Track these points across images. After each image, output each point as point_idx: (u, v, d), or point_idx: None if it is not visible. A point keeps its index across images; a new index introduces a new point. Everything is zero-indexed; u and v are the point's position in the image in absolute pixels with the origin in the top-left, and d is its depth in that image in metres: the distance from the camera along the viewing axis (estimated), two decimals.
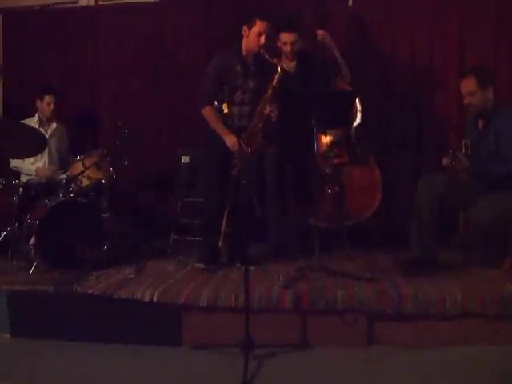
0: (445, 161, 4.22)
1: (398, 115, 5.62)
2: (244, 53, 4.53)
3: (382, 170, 5.03)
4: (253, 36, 4.43)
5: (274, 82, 4.37)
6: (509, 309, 3.59)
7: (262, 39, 4.40)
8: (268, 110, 4.38)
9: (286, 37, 4.84)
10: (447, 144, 4.37)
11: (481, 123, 4.34)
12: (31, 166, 5.43)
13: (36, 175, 5.40)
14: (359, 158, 5.02)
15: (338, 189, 4.84)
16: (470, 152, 4.13)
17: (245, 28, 4.47)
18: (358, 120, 5.06)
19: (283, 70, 4.42)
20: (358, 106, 5.04)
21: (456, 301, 3.63)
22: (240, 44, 4.53)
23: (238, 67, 4.50)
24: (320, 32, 4.99)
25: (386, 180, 5.04)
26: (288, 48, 4.86)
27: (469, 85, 4.26)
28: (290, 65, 4.93)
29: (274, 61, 4.36)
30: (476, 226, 4.16)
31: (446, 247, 4.57)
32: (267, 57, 4.35)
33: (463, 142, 4.18)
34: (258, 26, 4.41)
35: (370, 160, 5.04)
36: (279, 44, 4.89)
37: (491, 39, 5.44)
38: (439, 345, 3.62)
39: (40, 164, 5.52)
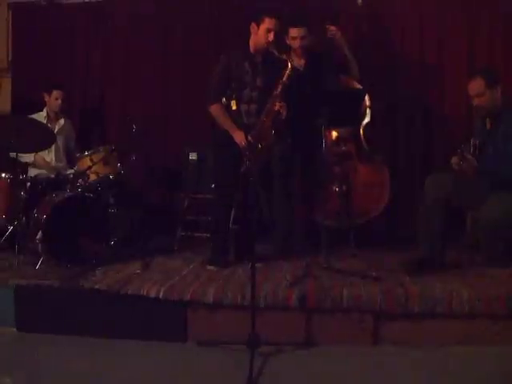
0: (453, 160, 4.22)
1: (406, 114, 5.61)
2: (252, 50, 4.52)
3: (389, 169, 5.01)
4: (261, 33, 4.41)
5: (284, 78, 4.35)
6: None
7: (271, 36, 4.39)
8: (277, 106, 4.37)
9: (295, 32, 4.82)
10: (455, 143, 4.36)
11: (489, 123, 4.33)
12: (30, 155, 5.43)
13: (34, 162, 5.42)
14: (368, 157, 5.00)
15: (345, 187, 4.81)
16: (478, 152, 4.12)
17: (253, 25, 4.46)
18: (367, 118, 5.04)
19: (293, 66, 4.40)
20: (368, 103, 5.01)
21: (463, 300, 3.62)
22: (248, 41, 4.52)
23: (247, 65, 4.49)
24: (331, 28, 4.94)
25: (393, 179, 5.03)
26: (297, 43, 4.84)
27: (477, 86, 4.24)
28: (299, 62, 4.92)
29: (284, 56, 4.35)
30: (483, 225, 4.14)
31: (454, 246, 4.55)
32: (276, 53, 4.34)
33: (471, 142, 4.18)
34: (267, 23, 4.39)
35: (379, 159, 5.02)
36: (288, 40, 4.87)
37: (500, 38, 5.42)
38: (445, 344, 3.61)
39: (47, 160, 5.53)
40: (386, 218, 5.15)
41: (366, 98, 4.95)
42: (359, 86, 4.96)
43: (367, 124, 5.04)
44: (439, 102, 5.61)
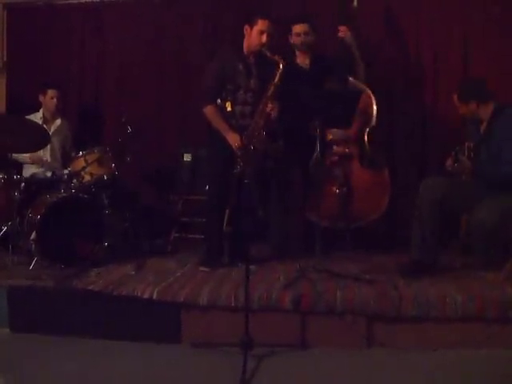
0: (447, 162, 4.23)
1: (402, 117, 5.60)
2: (246, 52, 4.53)
3: (390, 172, 4.97)
4: (254, 35, 4.43)
5: (276, 78, 4.36)
6: (509, 312, 3.58)
7: (264, 38, 4.40)
8: (269, 107, 4.38)
9: (298, 28, 4.85)
10: (452, 146, 4.36)
11: (482, 126, 4.34)
12: (25, 155, 5.41)
13: (30, 159, 5.41)
14: (369, 160, 4.95)
15: (346, 189, 4.77)
16: (472, 154, 4.14)
17: (246, 27, 4.48)
18: (373, 122, 4.95)
19: (285, 66, 4.37)
20: (375, 107, 4.93)
21: (456, 303, 3.62)
22: (242, 43, 4.53)
23: (240, 66, 4.49)
24: (342, 28, 4.92)
25: (391, 181, 5.01)
26: (301, 39, 4.85)
27: (454, 98, 4.35)
28: (304, 61, 4.92)
29: (276, 57, 4.35)
30: (478, 228, 4.14)
31: (448, 249, 4.56)
32: (268, 54, 4.34)
33: (466, 144, 4.19)
34: (260, 25, 4.41)
35: (380, 162, 4.96)
36: (291, 39, 4.88)
37: (496, 42, 5.41)
38: (439, 347, 3.61)
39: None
40: (381, 220, 5.13)
41: (373, 101, 4.89)
42: (363, 87, 4.91)
43: (373, 127, 4.96)
44: (435, 105, 5.59)
